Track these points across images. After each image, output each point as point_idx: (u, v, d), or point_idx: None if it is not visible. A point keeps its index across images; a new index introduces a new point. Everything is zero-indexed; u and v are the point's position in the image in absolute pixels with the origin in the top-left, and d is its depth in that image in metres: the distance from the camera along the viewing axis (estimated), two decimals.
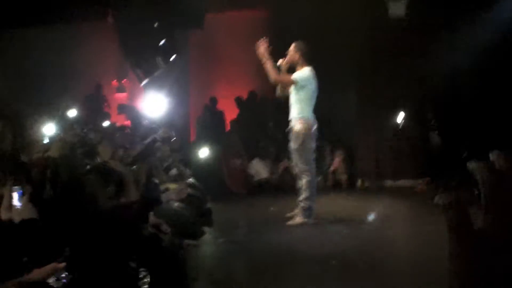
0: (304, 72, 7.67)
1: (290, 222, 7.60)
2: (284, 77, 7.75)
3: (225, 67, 13.92)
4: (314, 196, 7.71)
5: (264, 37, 7.78)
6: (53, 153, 5.76)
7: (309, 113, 7.73)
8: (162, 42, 12.94)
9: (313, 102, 7.79)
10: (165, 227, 5.64)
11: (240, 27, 15.12)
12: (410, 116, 11.66)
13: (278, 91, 8.11)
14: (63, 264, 3.04)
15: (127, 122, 13.00)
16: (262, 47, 7.70)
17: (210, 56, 15.09)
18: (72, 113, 10.94)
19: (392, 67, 11.83)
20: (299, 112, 7.70)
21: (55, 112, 10.36)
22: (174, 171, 8.36)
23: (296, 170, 7.92)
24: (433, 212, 8.14)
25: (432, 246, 6.16)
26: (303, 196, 7.62)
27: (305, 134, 7.64)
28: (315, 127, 7.75)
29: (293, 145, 7.74)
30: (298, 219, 7.59)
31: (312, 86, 7.75)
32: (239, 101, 13.70)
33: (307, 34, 12.56)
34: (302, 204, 7.62)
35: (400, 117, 11.63)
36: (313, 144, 7.82)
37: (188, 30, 15.26)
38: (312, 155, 7.87)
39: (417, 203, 9.45)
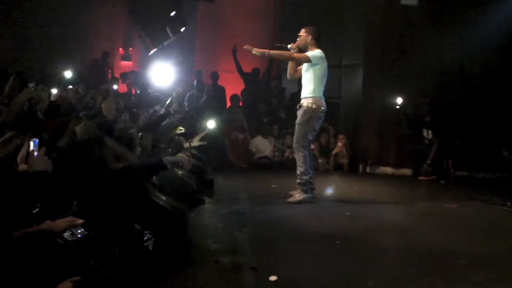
0: (316, 52, 7.65)
1: (290, 199, 7.56)
2: (298, 54, 7.71)
3: (230, 42, 13.83)
4: (310, 172, 7.66)
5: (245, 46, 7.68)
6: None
7: (320, 93, 7.67)
8: (172, 13, 12.88)
9: (324, 82, 7.73)
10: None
11: (248, 3, 15.09)
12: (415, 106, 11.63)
13: (289, 73, 8.12)
14: (81, 221, 3.00)
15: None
16: (254, 48, 7.62)
17: (217, 29, 15.04)
18: (77, 77, 10.90)
19: (400, 54, 11.80)
20: (310, 91, 7.64)
21: (61, 75, 10.33)
22: (179, 139, 8.32)
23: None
24: (432, 199, 8.36)
25: (431, 229, 6.27)
26: (298, 171, 7.60)
27: (313, 112, 7.59)
28: (324, 108, 7.69)
29: (298, 119, 7.72)
30: (298, 196, 7.54)
31: (324, 66, 7.69)
32: (245, 76, 13.66)
33: (315, 13, 12.63)
34: (298, 180, 7.59)
35: (405, 105, 11.60)
36: (317, 125, 7.81)
37: (198, 2, 15.24)
38: (313, 135, 7.88)
39: (417, 190, 9.49)
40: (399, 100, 11.48)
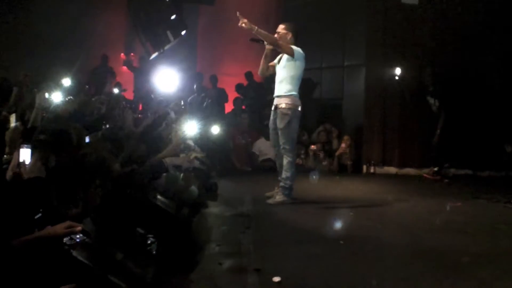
0: (299, 49, 7.52)
1: (270, 201, 7.55)
2: (284, 42, 7.47)
3: (232, 45, 13.85)
4: (295, 176, 7.63)
5: (238, 13, 7.30)
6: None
7: (296, 92, 7.56)
8: (172, 17, 12.88)
9: (300, 82, 7.63)
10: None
11: (250, 6, 15.07)
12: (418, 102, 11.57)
13: (260, 70, 7.92)
14: (79, 228, 3.00)
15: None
16: (244, 19, 7.27)
17: (218, 32, 15.05)
18: (76, 84, 10.87)
19: (402, 53, 11.76)
20: (288, 90, 7.51)
21: (62, 81, 10.31)
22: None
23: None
24: (436, 197, 8.34)
25: (436, 228, 6.26)
26: (284, 175, 7.54)
27: (293, 113, 7.50)
28: (301, 106, 7.61)
29: (279, 124, 7.56)
30: (278, 198, 7.52)
31: (303, 65, 7.58)
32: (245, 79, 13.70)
33: (316, 15, 12.63)
34: (282, 184, 7.56)
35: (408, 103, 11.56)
36: (298, 125, 7.69)
37: (199, 6, 15.25)
38: (296, 135, 7.79)
39: (421, 189, 9.46)
40: (398, 71, 11.41)
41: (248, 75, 13.78)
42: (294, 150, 7.67)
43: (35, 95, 6.65)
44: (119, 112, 7.63)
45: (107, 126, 6.80)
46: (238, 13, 7.28)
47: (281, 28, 7.64)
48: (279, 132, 7.57)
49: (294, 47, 7.46)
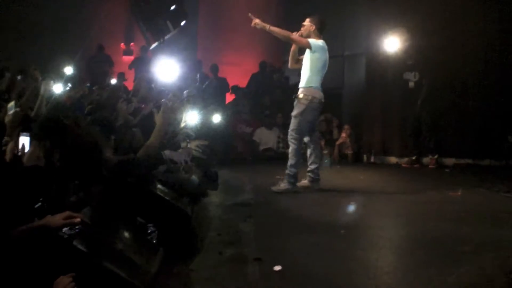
0: (317, 41, 7.59)
1: (274, 188, 7.61)
2: (299, 37, 7.61)
3: (233, 35, 13.80)
4: (299, 164, 7.68)
5: (249, 14, 7.57)
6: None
7: (316, 84, 7.61)
8: (172, 7, 12.85)
9: (322, 74, 7.67)
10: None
11: None
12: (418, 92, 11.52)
13: (290, 62, 8.02)
14: (78, 219, 2.99)
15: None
16: (256, 19, 7.50)
17: (219, 22, 15.00)
18: (77, 73, 10.85)
19: (403, 42, 11.70)
20: (307, 81, 7.60)
21: (60, 70, 10.29)
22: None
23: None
24: (436, 187, 8.33)
25: (436, 217, 6.24)
26: (288, 163, 7.61)
27: (308, 104, 7.56)
28: (320, 99, 7.65)
29: (293, 111, 7.67)
30: (283, 185, 7.59)
31: (324, 57, 7.63)
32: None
33: (317, 4, 12.59)
34: (287, 171, 7.61)
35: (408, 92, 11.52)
36: (312, 117, 7.74)
37: None
38: (309, 127, 7.77)
39: (422, 178, 9.46)
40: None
41: (262, 65, 13.70)
42: (300, 138, 7.67)
43: (40, 84, 6.64)
44: (115, 102, 7.59)
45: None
46: (250, 14, 7.52)
47: (307, 21, 7.70)
48: (292, 119, 7.68)
49: (311, 40, 7.53)
